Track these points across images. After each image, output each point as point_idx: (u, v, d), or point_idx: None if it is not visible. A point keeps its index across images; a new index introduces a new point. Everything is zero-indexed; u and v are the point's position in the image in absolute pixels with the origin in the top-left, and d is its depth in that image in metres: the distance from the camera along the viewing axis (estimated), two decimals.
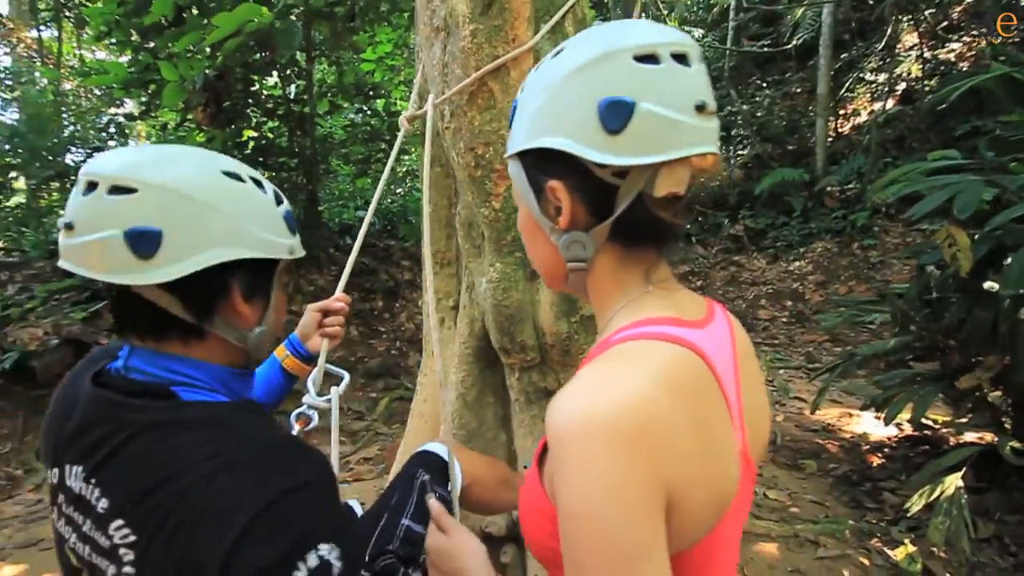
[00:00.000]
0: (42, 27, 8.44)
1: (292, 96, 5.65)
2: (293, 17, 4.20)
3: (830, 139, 8.30)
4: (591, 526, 0.46)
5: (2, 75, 7.60)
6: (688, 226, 8.37)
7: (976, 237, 2.02)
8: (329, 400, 0.94)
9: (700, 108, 0.53)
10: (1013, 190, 2.00)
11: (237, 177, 0.72)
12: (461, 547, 0.69)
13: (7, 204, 6.27)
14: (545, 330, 1.32)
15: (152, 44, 4.30)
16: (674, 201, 0.56)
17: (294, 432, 0.91)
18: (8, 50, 9.03)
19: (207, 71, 3.98)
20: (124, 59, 4.81)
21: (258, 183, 0.75)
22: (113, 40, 4.53)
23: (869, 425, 3.51)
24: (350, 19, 4.63)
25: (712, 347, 0.56)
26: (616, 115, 0.52)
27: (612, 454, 0.46)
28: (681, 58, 0.54)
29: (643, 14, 10.84)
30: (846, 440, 3.41)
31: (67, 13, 7.36)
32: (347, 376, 1.01)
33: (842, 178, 7.37)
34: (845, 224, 7.08)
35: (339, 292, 1.07)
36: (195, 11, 4.19)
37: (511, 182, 0.66)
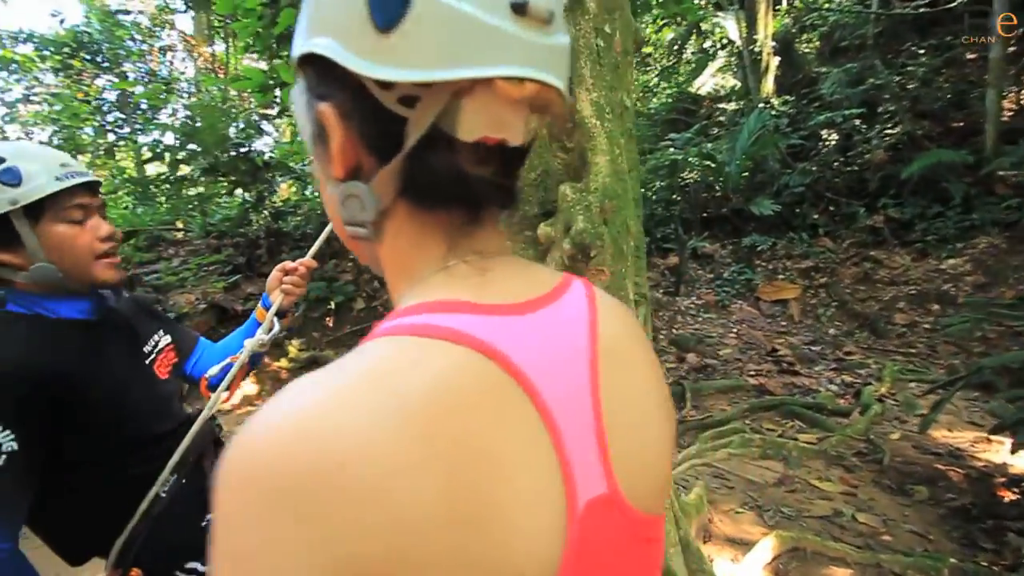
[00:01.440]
0: (215, 43, 10.00)
1: None
2: None
3: (1009, 114, 6.88)
4: None
5: (186, 84, 9.16)
6: (816, 216, 7.51)
7: None
8: (263, 344, 1.13)
9: (518, 8, 0.36)
10: None
11: None
12: None
13: (188, 193, 7.58)
14: None
15: (286, 52, 4.91)
16: (496, 151, 0.39)
17: (224, 361, 1.14)
18: (191, 63, 10.83)
19: None
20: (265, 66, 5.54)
21: None
22: (256, 49, 5.24)
23: (1009, 455, 2.94)
24: None
25: (528, 343, 0.38)
26: (386, 3, 0.35)
27: (268, 516, 0.29)
28: None
29: None
30: (974, 468, 2.90)
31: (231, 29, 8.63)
32: (278, 326, 1.17)
33: (1019, 159, 6.11)
34: (1020, 216, 5.88)
35: (307, 259, 1.22)
36: None
37: None
